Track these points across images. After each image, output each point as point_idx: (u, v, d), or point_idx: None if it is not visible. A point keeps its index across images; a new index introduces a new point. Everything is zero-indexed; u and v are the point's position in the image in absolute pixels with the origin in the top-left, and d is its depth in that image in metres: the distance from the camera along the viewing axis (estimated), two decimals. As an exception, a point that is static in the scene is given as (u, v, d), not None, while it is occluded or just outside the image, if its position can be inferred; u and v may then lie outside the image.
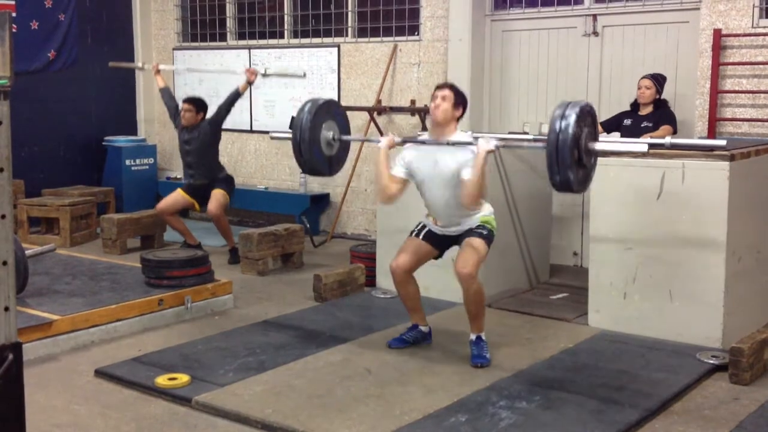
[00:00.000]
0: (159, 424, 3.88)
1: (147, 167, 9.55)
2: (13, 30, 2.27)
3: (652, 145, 5.21)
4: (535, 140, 5.08)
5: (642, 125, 6.13)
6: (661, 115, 6.16)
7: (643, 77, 6.24)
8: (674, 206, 4.92)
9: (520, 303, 5.87)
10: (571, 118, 3.84)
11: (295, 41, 8.84)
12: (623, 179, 5.08)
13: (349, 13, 8.41)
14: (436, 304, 5.52)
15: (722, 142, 4.96)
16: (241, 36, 9.31)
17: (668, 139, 5.11)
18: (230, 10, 9.31)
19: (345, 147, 5.05)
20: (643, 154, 4.08)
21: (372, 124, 8.03)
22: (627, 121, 6.26)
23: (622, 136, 6.07)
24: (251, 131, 9.28)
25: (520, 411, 3.92)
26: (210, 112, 7.34)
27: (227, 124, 8.50)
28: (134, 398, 4.20)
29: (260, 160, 9.24)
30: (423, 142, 4.66)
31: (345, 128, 5.01)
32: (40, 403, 4.07)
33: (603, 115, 6.79)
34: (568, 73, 7.18)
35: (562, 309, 5.70)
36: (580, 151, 3.92)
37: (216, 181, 7.32)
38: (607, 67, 6.97)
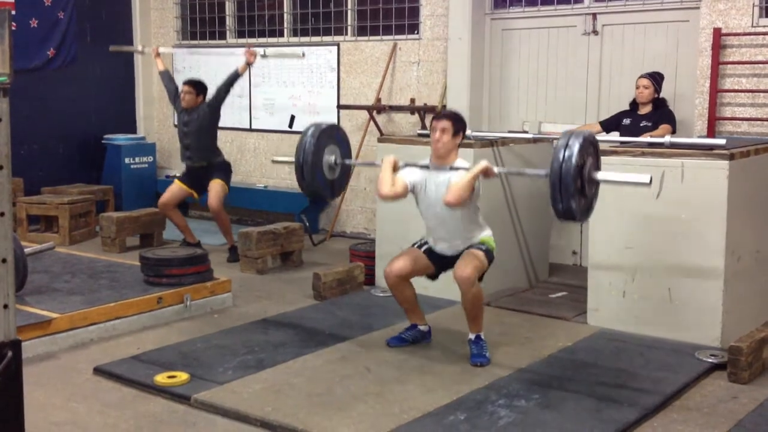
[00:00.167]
0: (158, 422, 3.88)
1: (146, 165, 9.54)
2: (13, 28, 2.27)
3: (651, 144, 5.24)
4: (538, 171, 5.06)
5: (641, 125, 6.13)
6: (661, 114, 6.15)
7: (641, 76, 6.24)
8: (674, 205, 4.91)
9: (520, 302, 5.87)
10: (575, 148, 3.90)
11: (295, 39, 8.83)
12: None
13: (349, 12, 8.41)
14: (435, 303, 5.52)
15: (722, 141, 4.97)
16: (240, 34, 9.31)
17: (667, 138, 5.13)
18: (230, 8, 9.30)
19: (346, 171, 5.10)
20: (646, 185, 4.10)
21: (371, 122, 8.03)
22: (626, 121, 6.26)
23: (621, 135, 6.07)
24: (250, 130, 9.28)
25: (519, 409, 3.92)
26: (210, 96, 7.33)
27: (226, 122, 8.50)
28: (133, 396, 4.20)
29: (259, 159, 9.23)
30: (426, 167, 4.66)
31: (347, 153, 5.07)
32: (39, 401, 4.07)
33: (602, 114, 6.81)
34: (568, 71, 7.18)
35: (561, 308, 5.71)
36: (583, 181, 3.97)
37: (213, 168, 7.30)
38: (607, 65, 6.97)
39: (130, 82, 9.95)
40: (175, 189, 7.38)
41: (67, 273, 6.08)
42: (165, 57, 8.11)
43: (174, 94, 7.42)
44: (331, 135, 4.95)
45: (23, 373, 2.35)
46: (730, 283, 4.84)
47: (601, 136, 6.16)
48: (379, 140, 6.49)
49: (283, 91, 8.94)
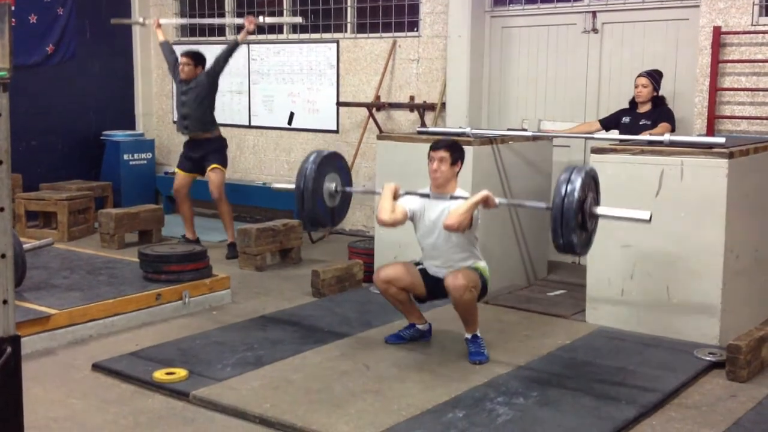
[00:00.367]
0: (157, 419, 3.88)
1: (145, 162, 9.54)
2: (12, 23, 2.27)
3: (650, 142, 5.24)
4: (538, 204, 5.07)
5: (640, 123, 6.13)
6: (660, 112, 6.16)
7: (640, 75, 6.24)
8: (673, 203, 4.91)
9: (518, 299, 5.87)
10: (577, 183, 3.94)
11: (294, 36, 8.83)
12: (621, 176, 5.07)
13: (349, 9, 8.41)
14: (434, 301, 5.50)
15: (721, 140, 4.97)
16: (239, 31, 9.25)
17: (667, 137, 5.12)
18: (229, 4, 9.29)
19: (346, 199, 5.11)
20: (646, 222, 4.12)
21: (371, 120, 8.02)
22: (626, 119, 6.26)
23: (620, 133, 6.06)
24: (249, 126, 9.27)
25: (518, 407, 3.92)
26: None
27: (225, 119, 8.49)
28: (132, 392, 4.20)
29: (258, 156, 9.23)
30: (427, 196, 4.66)
31: (347, 182, 5.09)
32: (38, 397, 4.06)
33: (602, 112, 6.81)
34: (568, 69, 7.17)
35: (559, 305, 5.71)
36: (584, 216, 4.02)
37: (209, 146, 7.28)
38: (607, 64, 6.97)
39: (129, 79, 9.94)
40: (180, 177, 7.42)
41: (66, 269, 6.08)
42: (165, 28, 8.13)
43: (174, 65, 7.41)
44: (333, 163, 5.00)
45: (22, 369, 2.35)
46: (729, 282, 4.84)
47: (601, 135, 6.18)
48: (379, 138, 6.49)
49: (282, 88, 8.93)
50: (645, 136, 5.57)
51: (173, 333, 5.13)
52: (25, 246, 5.69)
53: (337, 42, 8.46)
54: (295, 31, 8.85)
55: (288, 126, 8.94)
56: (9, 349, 2.27)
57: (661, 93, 6.24)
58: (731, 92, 6.29)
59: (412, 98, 7.93)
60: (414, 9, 7.95)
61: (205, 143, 7.29)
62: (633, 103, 6.30)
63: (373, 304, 5.68)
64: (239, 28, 7.49)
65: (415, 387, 4.19)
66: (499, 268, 5.95)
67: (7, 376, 2.27)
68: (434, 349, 4.79)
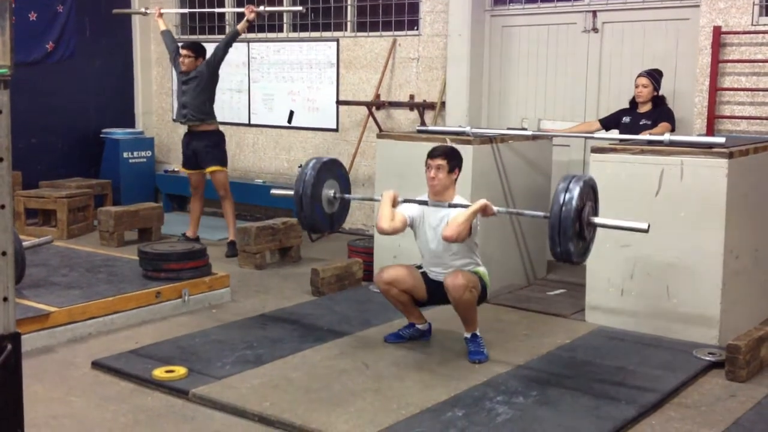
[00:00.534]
0: (156, 417, 3.88)
1: (144, 160, 9.53)
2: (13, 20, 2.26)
3: (650, 142, 5.24)
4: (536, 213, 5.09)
5: (641, 123, 6.13)
6: (660, 112, 6.16)
7: (640, 75, 6.23)
8: (672, 203, 4.92)
9: (518, 299, 5.87)
10: (575, 192, 3.96)
11: (294, 35, 8.82)
12: (621, 176, 5.08)
13: (349, 7, 8.40)
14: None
15: (721, 140, 4.97)
16: (240, 21, 9.25)
17: (667, 136, 5.12)
18: (229, 2, 9.29)
19: (345, 206, 5.13)
20: (644, 231, 4.13)
21: (370, 118, 8.02)
22: (626, 119, 6.26)
23: (621, 133, 6.06)
24: (249, 125, 9.27)
25: (517, 406, 3.92)
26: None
27: (225, 117, 8.49)
28: (131, 390, 4.20)
29: (258, 154, 9.23)
30: (425, 203, 4.66)
31: (346, 189, 5.11)
32: (37, 395, 4.06)
33: (602, 111, 6.81)
34: (568, 69, 7.17)
35: (559, 305, 5.71)
36: (582, 224, 4.03)
37: (207, 141, 7.28)
38: (607, 63, 6.97)
39: (128, 76, 9.93)
40: (193, 175, 7.46)
41: (65, 267, 6.08)
42: (167, 17, 8.13)
43: (175, 54, 7.40)
44: (332, 169, 5.02)
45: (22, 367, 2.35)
46: (729, 282, 4.85)
47: (601, 134, 6.18)
48: (378, 136, 6.48)
49: (282, 86, 8.93)
50: (645, 136, 5.57)
51: (173, 331, 5.13)
52: (25, 243, 5.69)
53: (337, 40, 8.45)
54: (295, 30, 8.84)
55: (288, 124, 8.93)
56: (9, 347, 2.27)
57: (661, 93, 6.24)
58: (731, 92, 6.29)
59: (412, 97, 7.93)
60: (414, 8, 7.95)
61: (204, 136, 7.28)
62: (633, 103, 6.30)
63: (373, 303, 5.68)
64: (240, 18, 7.48)
65: (415, 386, 4.19)
66: (499, 268, 5.95)
67: (8, 373, 2.27)
68: (434, 349, 4.79)
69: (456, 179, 4.65)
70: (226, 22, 9.28)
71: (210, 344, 4.81)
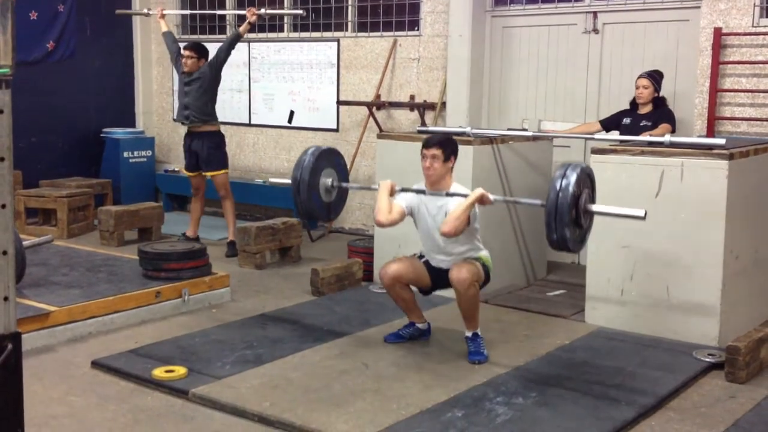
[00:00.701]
0: (156, 416, 3.88)
1: (145, 159, 9.52)
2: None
3: (651, 143, 5.24)
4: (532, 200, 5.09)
5: (641, 124, 6.13)
6: (660, 113, 6.16)
7: (640, 76, 6.23)
8: (673, 204, 4.92)
9: (518, 299, 5.87)
10: (572, 179, 3.96)
11: (295, 35, 8.82)
12: (622, 177, 5.08)
13: (349, 8, 8.40)
14: (433, 300, 5.49)
15: (721, 141, 4.97)
16: (241, 23, 9.26)
17: (667, 138, 5.12)
18: (230, 2, 9.29)
19: (342, 195, 5.14)
20: (641, 219, 4.13)
21: (371, 119, 8.02)
22: (626, 120, 6.26)
23: (621, 134, 6.06)
24: (249, 125, 9.27)
25: (517, 407, 3.92)
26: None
27: (225, 117, 8.48)
28: (131, 390, 4.20)
29: (258, 154, 9.23)
30: (423, 192, 4.66)
31: (344, 178, 5.12)
32: (37, 394, 4.06)
33: (602, 112, 6.81)
34: (568, 70, 7.17)
35: (559, 306, 5.71)
36: (578, 212, 4.03)
37: (208, 144, 7.28)
38: (607, 64, 6.97)
39: (129, 76, 9.93)
40: (194, 178, 7.47)
41: (65, 266, 6.08)
42: (168, 17, 8.13)
43: (176, 55, 7.41)
44: (330, 158, 5.02)
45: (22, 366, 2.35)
46: (729, 283, 4.85)
47: (601, 135, 6.18)
48: (379, 136, 6.49)
49: (282, 86, 8.93)
50: (645, 137, 5.57)
51: (173, 331, 5.13)
52: (25, 243, 5.69)
53: (338, 41, 8.46)
54: (295, 30, 8.84)
55: (288, 124, 8.93)
56: (10, 346, 2.27)
57: (661, 94, 6.24)
58: (731, 93, 6.30)
59: (412, 97, 7.93)
60: (415, 8, 7.95)
61: (205, 136, 7.29)
62: (634, 104, 6.30)
63: (373, 303, 5.68)
64: (241, 21, 7.49)
65: (415, 386, 4.19)
66: (499, 268, 5.93)
67: (8, 373, 2.27)
68: (433, 349, 4.79)
69: (452, 167, 4.65)
70: (227, 22, 9.28)
71: (210, 344, 4.81)
